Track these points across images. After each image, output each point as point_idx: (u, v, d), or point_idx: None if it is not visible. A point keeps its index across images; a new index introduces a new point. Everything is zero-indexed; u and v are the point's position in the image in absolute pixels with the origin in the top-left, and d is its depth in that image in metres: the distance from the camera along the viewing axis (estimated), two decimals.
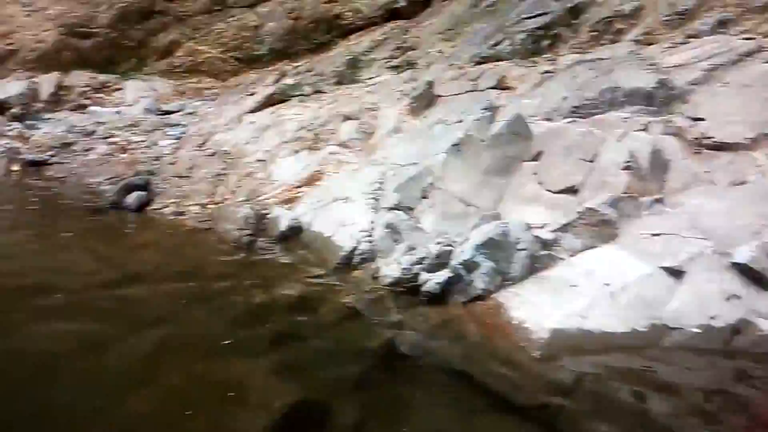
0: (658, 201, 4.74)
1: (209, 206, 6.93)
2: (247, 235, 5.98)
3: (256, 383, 3.44)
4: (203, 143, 8.68)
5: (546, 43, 8.56)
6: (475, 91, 7.45)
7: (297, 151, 7.64)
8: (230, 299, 4.59)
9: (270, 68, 12.19)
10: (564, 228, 4.73)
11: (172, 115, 9.98)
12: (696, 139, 5.23)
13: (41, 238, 5.92)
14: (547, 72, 7.23)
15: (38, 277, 4.84)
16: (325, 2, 12.93)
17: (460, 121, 6.20)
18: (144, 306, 4.53)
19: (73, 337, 3.88)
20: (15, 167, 8.51)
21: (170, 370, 3.58)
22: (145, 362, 3.65)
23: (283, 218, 6.04)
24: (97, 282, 4.81)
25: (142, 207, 6.81)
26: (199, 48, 13.60)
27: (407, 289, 4.68)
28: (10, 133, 9.49)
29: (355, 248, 5.30)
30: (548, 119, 6.09)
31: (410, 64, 10.19)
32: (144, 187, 7.00)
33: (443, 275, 4.53)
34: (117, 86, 11.87)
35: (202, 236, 6.20)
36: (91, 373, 3.53)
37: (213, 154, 8.19)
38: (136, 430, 3.05)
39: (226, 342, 3.89)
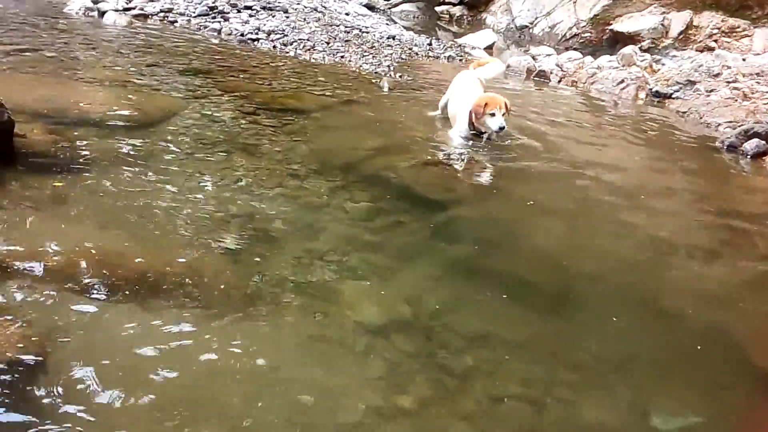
0: None
1: None
2: None
3: None
4: None
5: None
6: None
7: None
8: None
9: None
10: None
11: None
12: None
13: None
14: None
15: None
16: None
17: None
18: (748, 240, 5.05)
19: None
20: (641, 95, 9.75)
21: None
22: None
23: None
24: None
25: (758, 155, 7.07)
26: None
27: None
28: (641, 63, 10.76)
29: None
30: None
31: None
32: (765, 136, 7.19)
33: None
34: (746, 32, 11.82)
35: None
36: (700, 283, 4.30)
37: None
38: None
39: None
